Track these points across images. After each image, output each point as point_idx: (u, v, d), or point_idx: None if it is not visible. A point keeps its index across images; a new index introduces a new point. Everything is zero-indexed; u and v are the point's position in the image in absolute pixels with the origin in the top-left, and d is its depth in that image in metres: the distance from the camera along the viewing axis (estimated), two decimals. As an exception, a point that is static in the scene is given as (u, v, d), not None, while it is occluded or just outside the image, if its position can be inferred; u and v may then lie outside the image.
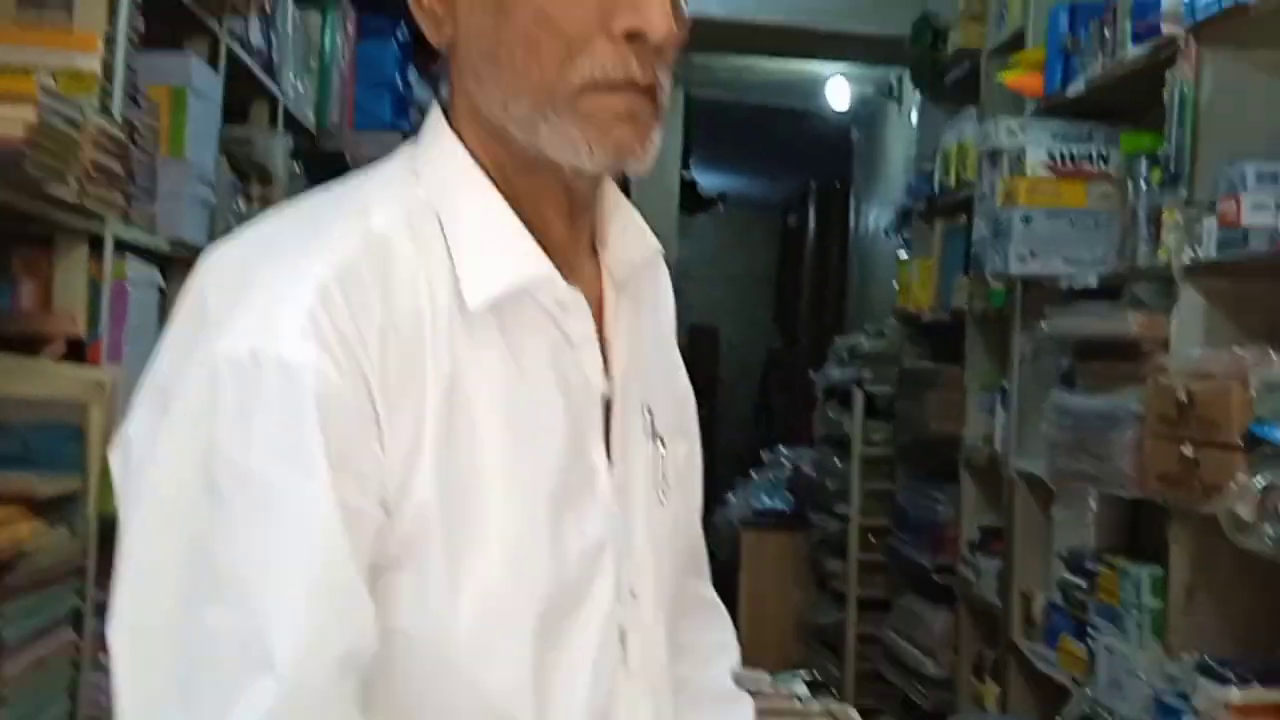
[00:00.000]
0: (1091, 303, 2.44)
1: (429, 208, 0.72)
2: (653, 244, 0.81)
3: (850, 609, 4.03)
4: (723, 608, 0.97)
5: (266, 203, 2.68)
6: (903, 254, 4.09)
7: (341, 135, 3.31)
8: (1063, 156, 2.64)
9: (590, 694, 0.73)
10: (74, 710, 1.73)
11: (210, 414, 0.64)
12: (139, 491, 0.66)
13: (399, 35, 3.50)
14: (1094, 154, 2.63)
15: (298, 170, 2.95)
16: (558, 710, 0.71)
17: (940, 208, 3.66)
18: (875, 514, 4.02)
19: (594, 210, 0.78)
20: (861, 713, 2.29)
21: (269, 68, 2.68)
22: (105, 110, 1.68)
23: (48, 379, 1.62)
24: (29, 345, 1.67)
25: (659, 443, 0.80)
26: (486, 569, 0.69)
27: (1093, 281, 2.51)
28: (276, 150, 2.72)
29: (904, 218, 4.16)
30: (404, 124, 3.54)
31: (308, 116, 3.05)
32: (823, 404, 4.64)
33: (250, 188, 2.61)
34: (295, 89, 2.92)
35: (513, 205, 0.73)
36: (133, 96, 1.84)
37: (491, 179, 0.73)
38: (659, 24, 0.69)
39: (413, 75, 3.67)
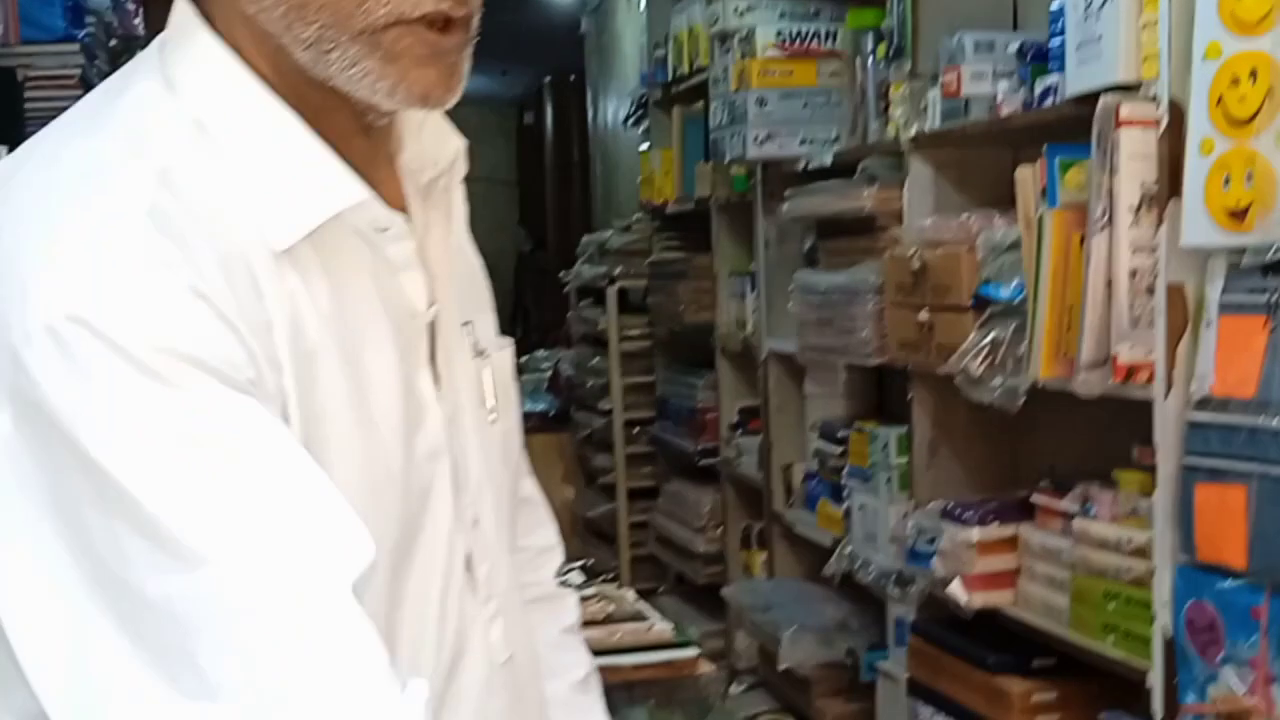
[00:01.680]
0: (829, 181, 2.52)
1: (198, 126, 0.62)
2: (456, 142, 0.73)
3: (620, 500, 4.11)
4: (544, 503, 0.94)
5: None
6: (644, 146, 4.08)
7: (9, 49, 3.03)
8: (792, 36, 2.68)
9: (439, 624, 0.71)
10: None
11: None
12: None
13: None
14: (822, 32, 2.69)
15: None
16: (408, 641, 0.69)
17: (676, 95, 3.67)
18: (638, 408, 4.09)
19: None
20: (640, 594, 2.35)
21: None
22: None
23: None
24: None
25: (483, 357, 0.76)
26: None
27: (828, 160, 2.58)
28: None
29: (641, 108, 4.15)
30: (79, 34, 3.24)
31: None
32: (577, 303, 4.63)
33: None
34: None
35: (305, 116, 0.64)
36: None
37: (271, 89, 0.64)
38: None
39: None
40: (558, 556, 0.94)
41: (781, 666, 2.64)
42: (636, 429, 4.09)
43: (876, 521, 2.39)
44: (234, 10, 0.63)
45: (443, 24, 0.62)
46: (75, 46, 3.17)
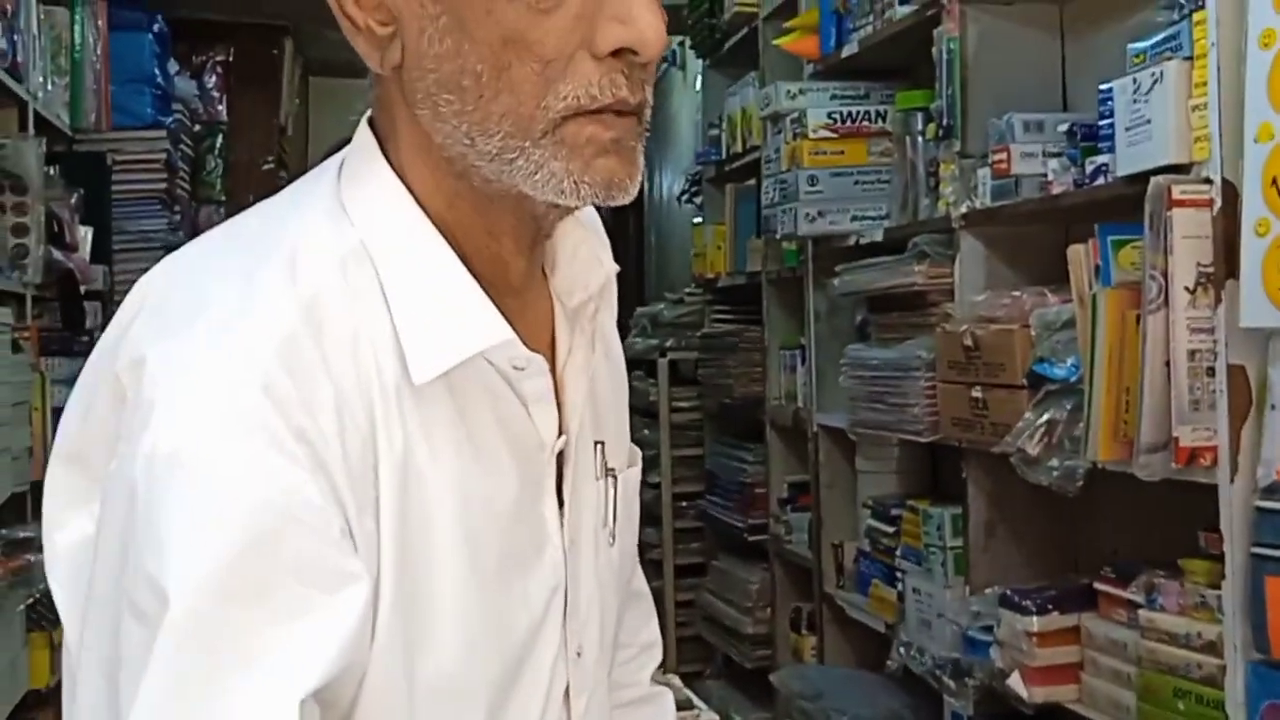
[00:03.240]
0: (879, 257, 2.51)
1: (364, 254, 0.62)
2: (608, 268, 0.72)
3: (668, 576, 4.06)
4: (649, 599, 0.92)
5: (21, 212, 2.56)
6: (697, 220, 4.12)
7: (100, 135, 3.18)
8: (842, 116, 2.70)
9: None
10: None
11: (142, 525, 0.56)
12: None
13: (155, 27, 3.36)
14: (872, 112, 2.70)
15: (54, 174, 2.82)
16: None
17: (729, 172, 3.70)
18: (687, 481, 4.06)
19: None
20: (684, 677, 2.30)
21: (14, 70, 2.56)
22: None
23: None
24: None
25: (609, 478, 0.74)
26: (440, 654, 0.64)
27: (879, 236, 2.57)
28: (28, 155, 2.59)
29: (695, 184, 4.19)
30: (166, 120, 3.40)
31: (61, 118, 2.94)
32: (629, 375, 4.63)
33: (3, 197, 2.50)
34: (45, 90, 2.80)
35: (465, 246, 0.64)
36: None
37: (440, 217, 0.64)
38: (653, 37, 0.60)
39: (173, 68, 3.54)
40: (659, 654, 0.92)
41: (832, 756, 2.57)
42: (685, 503, 4.05)
43: (931, 606, 2.32)
44: (415, 140, 0.64)
45: (620, 111, 0.62)
46: (162, 132, 3.36)
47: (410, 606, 0.62)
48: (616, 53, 0.61)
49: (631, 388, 3.55)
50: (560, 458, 0.70)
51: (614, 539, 0.73)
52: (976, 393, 2.08)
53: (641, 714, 0.87)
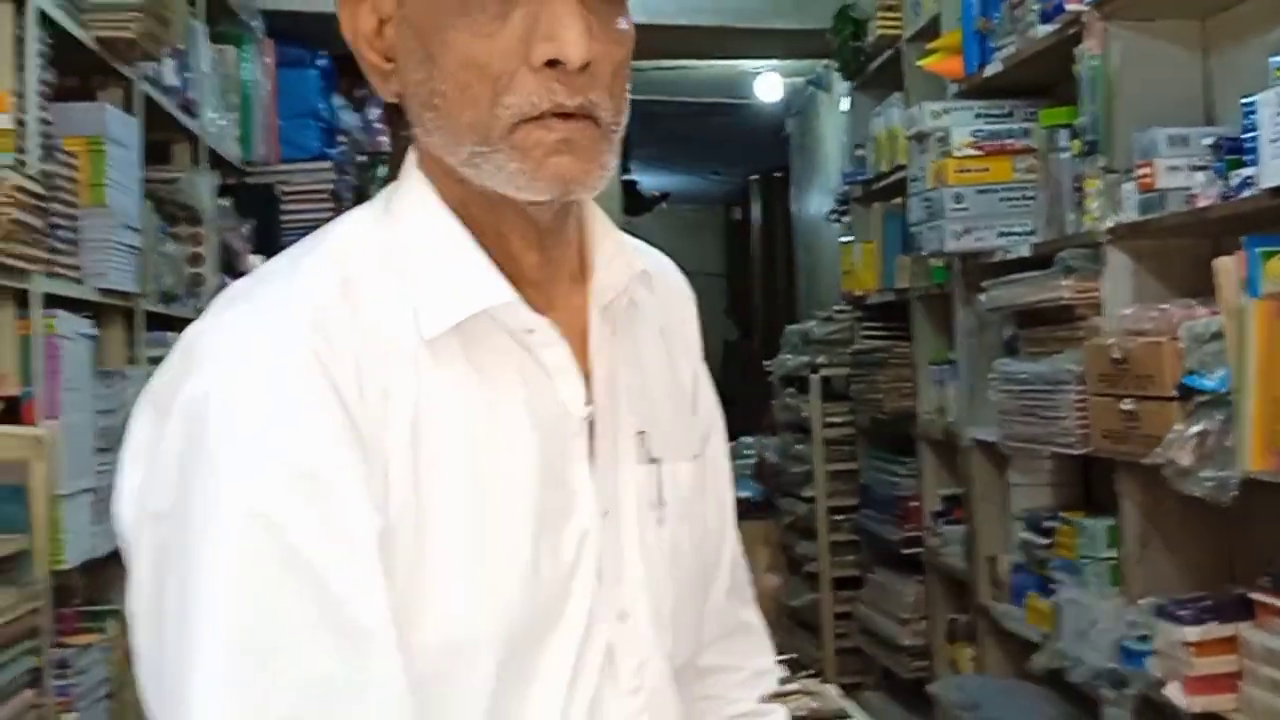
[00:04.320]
0: (1026, 272, 2.54)
1: (397, 243, 0.74)
2: (636, 267, 0.79)
3: (824, 589, 4.11)
4: (764, 633, 0.96)
5: (197, 242, 2.67)
6: (845, 238, 4.18)
7: (269, 168, 3.29)
8: (986, 134, 2.74)
9: (564, 708, 0.73)
10: (42, 769, 1.69)
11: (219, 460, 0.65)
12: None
13: (319, 63, 3.48)
14: (1016, 130, 2.74)
15: (227, 206, 2.93)
16: (535, 716, 0.73)
17: (876, 192, 3.75)
18: (841, 494, 4.11)
19: (576, 240, 0.79)
20: (844, 688, 2.37)
21: (187, 106, 2.67)
22: (21, 165, 1.69)
23: None
24: None
25: (655, 465, 0.80)
26: (447, 602, 0.70)
27: (1025, 252, 2.60)
28: (201, 188, 2.70)
29: (843, 203, 4.25)
30: (332, 153, 3.50)
31: (232, 151, 3.04)
32: (781, 391, 4.72)
33: (179, 228, 2.61)
34: (217, 125, 2.90)
35: (481, 241, 0.74)
36: (49, 150, 1.85)
37: (459, 216, 0.75)
38: (574, 50, 0.69)
39: (338, 102, 3.64)
40: (771, 681, 0.95)
41: (991, 765, 2.59)
42: (840, 516, 4.10)
43: (1087, 617, 2.34)
44: (428, 154, 0.76)
45: (565, 115, 0.70)
46: (327, 164, 3.44)
47: (415, 548, 0.69)
48: (551, 64, 0.69)
49: (784, 404, 3.66)
50: (592, 433, 0.76)
51: (662, 520, 0.79)
52: (1127, 405, 2.10)
53: None
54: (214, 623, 0.64)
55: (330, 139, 3.55)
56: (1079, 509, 2.52)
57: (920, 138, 2.92)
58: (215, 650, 0.63)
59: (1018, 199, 2.71)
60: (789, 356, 4.58)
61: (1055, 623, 2.46)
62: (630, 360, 0.80)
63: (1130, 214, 2.15)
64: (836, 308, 4.34)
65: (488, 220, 0.75)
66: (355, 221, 0.77)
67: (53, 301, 1.85)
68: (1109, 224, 2.21)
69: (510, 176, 0.71)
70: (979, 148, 2.74)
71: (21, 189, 1.64)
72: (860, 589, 3.97)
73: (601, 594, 0.75)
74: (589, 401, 0.76)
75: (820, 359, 4.20)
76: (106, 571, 2.17)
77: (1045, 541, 2.59)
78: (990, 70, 2.68)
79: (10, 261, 1.65)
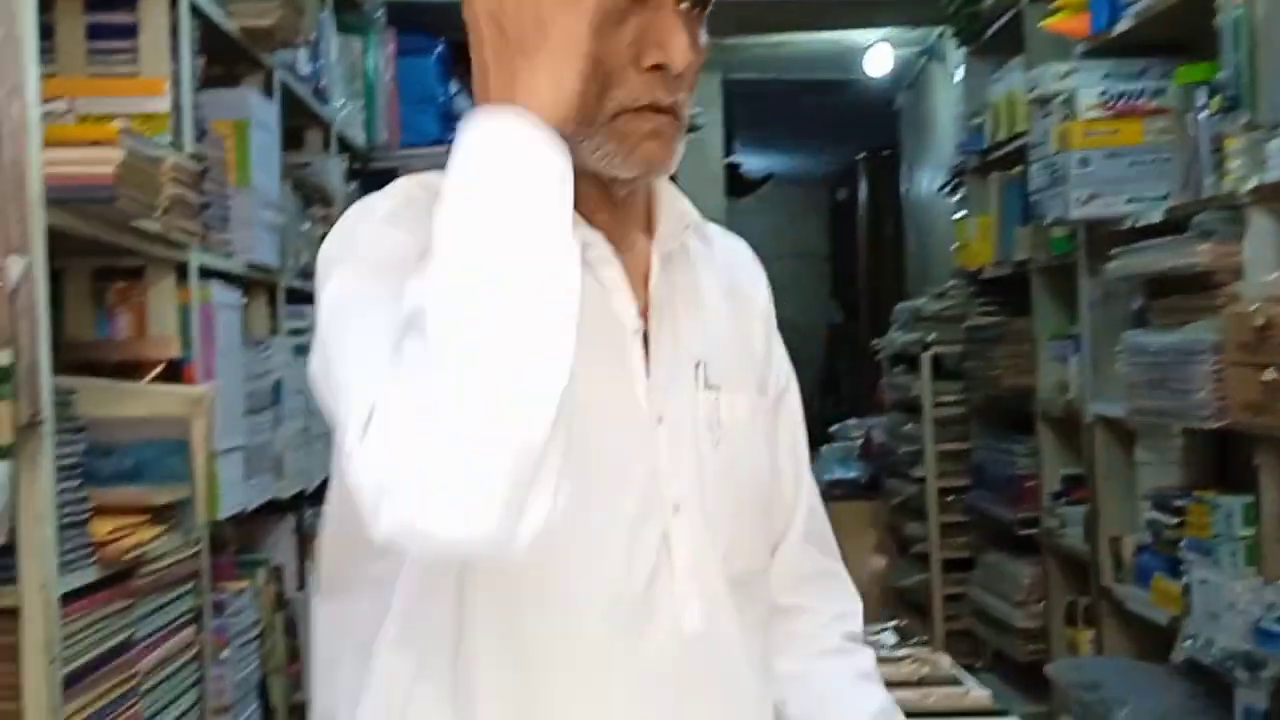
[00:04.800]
0: (1158, 239, 2.43)
1: None
2: (688, 218, 0.92)
3: (934, 570, 4.03)
4: (848, 581, 1.03)
5: (329, 223, 2.74)
6: (959, 213, 4.07)
7: (391, 153, 3.39)
8: (1115, 95, 2.63)
9: (616, 585, 0.83)
10: (201, 702, 1.82)
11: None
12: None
13: (438, 51, 3.56)
14: (1147, 89, 2.62)
15: (353, 190, 3.02)
16: (579, 573, 0.82)
17: (994, 161, 3.65)
18: (951, 474, 4.02)
19: (645, 203, 0.91)
20: (956, 669, 2.31)
21: (319, 93, 2.77)
22: (177, 147, 1.78)
23: (151, 399, 1.73)
24: (130, 371, 1.78)
25: (712, 391, 0.90)
26: None
27: (1157, 217, 2.49)
28: (332, 172, 2.81)
29: (958, 176, 4.14)
30: (449, 138, 3.59)
31: (357, 137, 3.14)
32: (890, 371, 4.63)
33: (313, 209, 2.70)
34: (344, 112, 3.00)
35: None
36: (200, 132, 1.94)
37: None
38: (680, 58, 0.82)
39: (454, 88, 3.70)
40: (853, 622, 1.01)
41: (1113, 751, 2.50)
42: (950, 497, 4.01)
43: (1220, 598, 2.23)
44: None
45: (657, 109, 0.83)
46: (445, 148, 3.53)
47: None
48: (655, 67, 0.82)
49: (893, 383, 3.61)
50: (647, 351, 0.88)
51: (718, 442, 0.89)
52: (1269, 375, 2.00)
53: (834, 660, 0.97)
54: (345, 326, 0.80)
55: (448, 124, 3.62)
56: (1211, 486, 2.41)
57: (1043, 101, 2.82)
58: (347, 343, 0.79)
59: (1148, 162, 2.60)
60: (899, 334, 4.49)
61: (1185, 604, 2.36)
62: (690, 303, 0.92)
63: (1276, 173, 2.03)
64: (949, 284, 4.23)
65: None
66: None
67: (206, 274, 1.94)
68: (1252, 184, 2.10)
69: (605, 156, 0.84)
70: (1107, 109, 2.63)
71: (180, 167, 1.71)
72: (971, 570, 3.88)
73: (657, 487, 0.86)
74: (640, 319, 0.88)
75: (931, 336, 4.10)
76: (255, 525, 2.32)
77: (1174, 521, 2.49)
78: (1120, 27, 2.56)
79: (172, 235, 1.73)
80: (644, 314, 0.88)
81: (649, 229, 0.91)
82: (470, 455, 0.68)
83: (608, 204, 0.88)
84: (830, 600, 1.00)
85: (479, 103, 0.80)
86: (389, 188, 0.89)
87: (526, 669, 0.82)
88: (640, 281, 0.89)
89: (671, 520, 0.86)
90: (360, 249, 0.83)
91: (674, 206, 0.92)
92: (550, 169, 0.73)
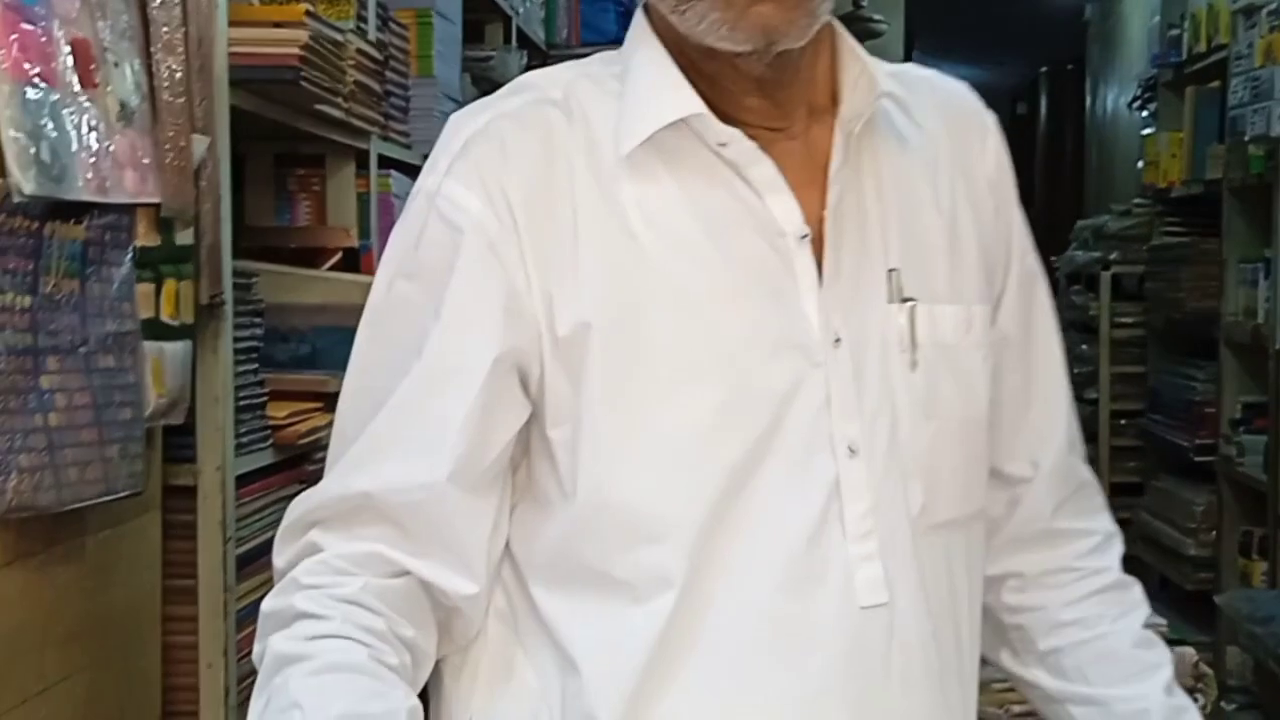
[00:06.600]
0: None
1: (618, 75, 0.77)
2: (878, 86, 0.75)
3: (1103, 493, 3.97)
4: (1096, 487, 0.88)
5: None
6: (1148, 130, 3.91)
7: (570, 50, 3.30)
8: (1330, 2, 2.49)
9: (774, 547, 0.71)
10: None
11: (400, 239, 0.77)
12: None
13: None
14: (1367, -5, 2.46)
15: None
16: (737, 560, 0.71)
17: (1190, 75, 3.48)
18: (1125, 398, 3.92)
19: (826, 73, 0.76)
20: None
21: None
22: (361, 33, 1.78)
23: (329, 287, 1.75)
24: (309, 258, 1.81)
25: (908, 305, 0.75)
26: (671, 407, 0.71)
27: (1368, 133, 2.37)
28: (512, 67, 2.75)
29: (1149, 90, 3.96)
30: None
31: (538, 34, 3.11)
32: (1066, 289, 4.52)
33: None
34: (525, 7, 2.97)
35: (697, 86, 0.74)
36: (384, 20, 1.93)
37: (675, 59, 0.75)
38: None
39: None
40: (1119, 544, 0.88)
41: (1283, 683, 2.46)
42: (1123, 420, 3.93)
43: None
44: (650, 2, 0.77)
45: None
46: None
47: (631, 354, 0.71)
48: None
49: (1069, 302, 3.54)
50: (820, 255, 0.73)
51: (916, 363, 0.74)
52: None
53: (1117, 601, 0.85)
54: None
55: (627, 22, 3.61)
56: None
57: (1249, 11, 2.68)
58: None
59: (1362, 74, 2.46)
60: (1078, 253, 4.36)
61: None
62: (883, 193, 0.76)
63: None
64: (1134, 202, 4.09)
65: (706, 66, 0.74)
66: (591, 60, 0.80)
67: (385, 163, 1.96)
68: None
69: (712, 25, 0.70)
70: (1320, 17, 2.49)
71: (364, 54, 1.73)
72: (1141, 496, 3.81)
73: (828, 425, 0.72)
74: (808, 225, 0.73)
75: (1113, 255, 3.98)
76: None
77: (1364, 453, 2.40)
78: (1340, -72, 2.41)
79: (354, 122, 1.74)
80: (820, 214, 0.74)
81: (832, 104, 0.76)
82: None
83: (753, 86, 0.73)
84: (1096, 518, 0.86)
85: None
86: (527, 97, 0.76)
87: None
88: (819, 173, 0.74)
89: (845, 466, 0.72)
90: (421, 252, 0.74)
91: (861, 73, 0.76)
92: None
